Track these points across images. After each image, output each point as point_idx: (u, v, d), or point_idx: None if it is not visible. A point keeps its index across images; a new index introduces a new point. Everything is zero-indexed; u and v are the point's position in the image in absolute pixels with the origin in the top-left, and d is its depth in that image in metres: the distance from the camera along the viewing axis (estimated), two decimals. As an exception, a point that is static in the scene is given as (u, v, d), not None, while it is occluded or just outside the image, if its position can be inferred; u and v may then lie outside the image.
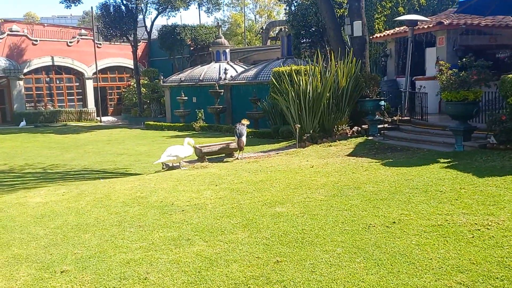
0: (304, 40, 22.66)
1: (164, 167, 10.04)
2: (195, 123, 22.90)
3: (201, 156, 9.80)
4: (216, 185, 6.87)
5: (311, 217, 4.91)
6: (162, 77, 26.91)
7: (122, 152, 16.00)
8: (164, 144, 17.79)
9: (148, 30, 29.76)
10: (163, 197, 6.32)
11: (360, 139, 10.47)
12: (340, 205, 5.27)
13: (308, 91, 10.62)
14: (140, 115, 29.10)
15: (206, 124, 22.70)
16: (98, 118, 30.35)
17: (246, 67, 26.54)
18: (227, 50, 27.50)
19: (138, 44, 30.03)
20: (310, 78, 10.80)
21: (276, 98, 11.80)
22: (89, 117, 30.61)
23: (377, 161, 7.98)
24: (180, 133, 21.79)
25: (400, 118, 11.03)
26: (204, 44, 29.62)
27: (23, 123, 26.76)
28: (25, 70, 28.09)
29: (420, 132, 9.68)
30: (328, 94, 10.69)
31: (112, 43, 30.44)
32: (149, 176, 8.69)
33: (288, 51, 23.40)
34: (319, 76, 10.74)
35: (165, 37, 28.78)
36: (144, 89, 29.34)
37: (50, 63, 29.21)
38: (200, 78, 25.49)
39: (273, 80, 17.01)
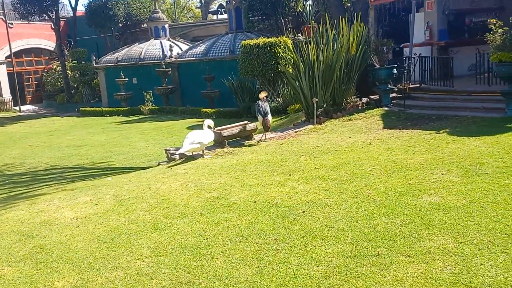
0: (256, 13, 21.52)
1: (177, 157, 8.57)
2: (142, 106, 20.92)
3: (221, 141, 8.49)
4: (290, 174, 5.76)
5: (493, 206, 4.00)
6: (94, 58, 24.16)
7: (79, 144, 13.92)
8: (120, 132, 15.93)
9: (73, 6, 26.44)
10: (245, 195, 5.07)
11: (377, 111, 9.84)
12: (494, 186, 4.47)
13: (320, 61, 9.70)
14: (69, 101, 26.05)
15: (156, 107, 20.86)
16: (17, 108, 26.66)
17: (190, 44, 24.76)
18: (166, 26, 25.42)
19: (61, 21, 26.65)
20: (321, 47, 9.86)
21: (285, 70, 10.69)
22: (5, 107, 26.78)
23: (431, 132, 7.37)
24: (128, 118, 19.79)
25: (408, 86, 10.60)
26: (138, 20, 27.08)
27: None
28: None
29: (444, 99, 9.29)
30: (340, 64, 9.87)
31: (28, 22, 26.62)
32: (180, 169, 7.24)
33: (238, 25, 22.06)
34: (331, 44, 9.84)
35: (94, 13, 25.73)
36: (70, 72, 26.21)
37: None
38: (141, 57, 23.29)
39: (243, 54, 15.83)
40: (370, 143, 7.10)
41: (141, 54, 23.37)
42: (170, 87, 21.66)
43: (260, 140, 8.82)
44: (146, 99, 21.32)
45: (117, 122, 19.08)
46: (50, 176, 9.42)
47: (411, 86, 10.62)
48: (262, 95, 9.01)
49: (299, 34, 18.20)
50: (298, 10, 21.08)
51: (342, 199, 4.54)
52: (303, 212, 4.25)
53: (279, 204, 4.59)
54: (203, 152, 8.06)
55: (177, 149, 9.28)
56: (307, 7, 20.14)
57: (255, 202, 4.74)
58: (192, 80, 21.73)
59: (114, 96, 22.57)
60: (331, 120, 9.93)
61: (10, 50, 25.92)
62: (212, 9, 29.28)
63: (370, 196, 4.53)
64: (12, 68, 26.32)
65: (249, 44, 15.71)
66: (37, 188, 7.77)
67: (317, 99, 9.65)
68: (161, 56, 23.00)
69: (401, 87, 10.69)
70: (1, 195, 7.47)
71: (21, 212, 5.66)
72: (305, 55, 10.01)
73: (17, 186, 8.50)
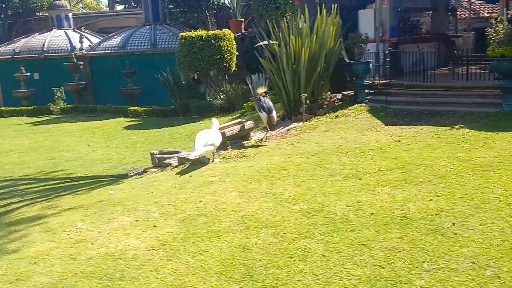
0: (178, 4, 20.37)
1: (173, 162, 7.50)
2: (52, 105, 18.46)
3: (223, 141, 7.63)
4: (360, 178, 5.32)
5: None
6: (-16, 49, 20.67)
7: (1, 150, 11.68)
8: (42, 134, 13.83)
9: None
10: (344, 205, 4.47)
11: (359, 107, 9.80)
12: None
13: (303, 54, 9.34)
14: (-51, 100, 21.89)
15: (69, 106, 18.58)
16: None
17: (99, 36, 22.58)
18: (70, 15, 22.83)
19: None
20: (304, 39, 9.49)
21: (264, 63, 10.07)
22: None
23: (446, 127, 7.46)
24: (38, 119, 17.37)
25: (379, 82, 10.81)
26: (35, 6, 23.81)
27: None
28: None
29: (425, 94, 9.62)
30: (322, 58, 9.64)
31: None
32: (204, 176, 6.30)
33: (155, 16, 20.68)
34: (314, 36, 9.53)
35: (-19, -3, 21.92)
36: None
37: None
38: (45, 49, 20.58)
39: (184, 47, 14.76)
40: (399, 141, 6.99)
41: (44, 45, 20.65)
42: (83, 83, 19.48)
43: (262, 140, 8.20)
44: (56, 96, 18.89)
45: (26, 123, 16.53)
46: (5, 191, 7.62)
47: (381, 82, 10.86)
48: (261, 90, 8.36)
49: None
50: (223, 3, 20.47)
51: (473, 205, 4.24)
52: (453, 224, 3.86)
53: (407, 216, 4.13)
54: (213, 155, 7.18)
55: (168, 152, 8.26)
56: (234, 0, 19.61)
57: (371, 214, 4.23)
58: (107, 75, 19.83)
59: (14, 94, 19.56)
60: (316, 117, 9.68)
61: None
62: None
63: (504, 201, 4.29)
64: None
65: (191, 36, 14.70)
66: (16, 208, 6.16)
67: (306, 95, 9.31)
68: (69, 48, 20.63)
69: (371, 83, 10.86)
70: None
71: (49, 244, 4.34)
72: (288, 47, 9.58)
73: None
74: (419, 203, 4.38)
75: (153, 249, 3.99)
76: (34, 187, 7.96)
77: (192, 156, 6.82)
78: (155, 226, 4.53)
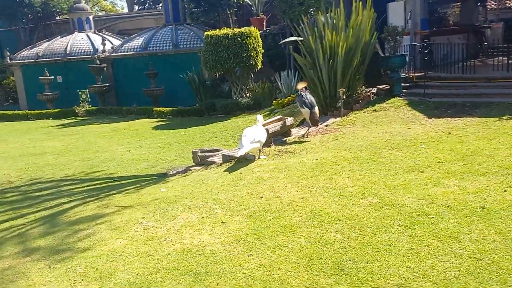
0: (199, 4, 20.39)
1: (217, 160, 7.49)
2: (77, 107, 18.61)
3: (267, 139, 7.59)
4: (422, 171, 5.22)
5: None
6: (8, 53, 20.91)
7: (34, 152, 11.89)
8: (72, 136, 13.94)
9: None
10: (413, 199, 4.41)
11: (396, 100, 9.71)
12: None
13: (340, 48, 9.26)
14: (-25, 105, 22.25)
15: (94, 108, 18.71)
16: None
17: (119, 38, 22.71)
18: (91, 17, 22.98)
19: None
20: (340, 33, 9.40)
21: (299, 59, 10.00)
22: None
23: (495, 119, 7.35)
24: (64, 121, 17.53)
25: (415, 75, 10.69)
26: (56, 10, 24.03)
27: None
28: None
29: (462, 86, 9.47)
30: (359, 51, 9.55)
31: None
32: (255, 173, 6.27)
33: (175, 16, 20.70)
34: (351, 29, 9.43)
35: (4, 2, 22.15)
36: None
37: None
38: (67, 52, 20.74)
39: (209, 46, 14.75)
40: (449, 133, 6.90)
41: (66, 48, 20.80)
42: (107, 85, 19.60)
43: (303, 136, 8.14)
44: (81, 98, 19.04)
45: (53, 125, 16.68)
46: (51, 192, 7.68)
47: (416, 75, 10.73)
48: (301, 85, 8.30)
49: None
50: (244, 1, 20.42)
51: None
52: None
53: (487, 207, 4.05)
54: (259, 152, 7.15)
55: (209, 150, 8.25)
56: (256, -2, 19.55)
57: (448, 206, 4.16)
58: (130, 76, 19.94)
59: (39, 97, 19.77)
60: (354, 112, 9.60)
61: None
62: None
63: None
64: None
65: (217, 34, 14.69)
66: (70, 208, 6.19)
67: (343, 89, 9.23)
68: (92, 50, 20.74)
69: (406, 76, 10.74)
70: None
71: (121, 242, 4.34)
72: (324, 42, 9.50)
73: (23, 207, 6.73)
74: (495, 194, 4.30)
75: (229, 245, 3.97)
76: (79, 188, 8.00)
77: (241, 153, 6.79)
78: (223, 222, 4.51)
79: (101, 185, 8.05)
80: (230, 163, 7.23)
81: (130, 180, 8.23)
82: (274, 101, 13.20)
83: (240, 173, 6.44)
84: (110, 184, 8.13)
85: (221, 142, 11.24)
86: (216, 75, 16.41)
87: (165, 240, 4.26)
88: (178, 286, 3.39)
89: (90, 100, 19.14)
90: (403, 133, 7.39)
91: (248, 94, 15.46)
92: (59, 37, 21.89)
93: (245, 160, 7.09)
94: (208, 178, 6.61)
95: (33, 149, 12.32)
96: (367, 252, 3.52)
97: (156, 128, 14.35)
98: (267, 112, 13.43)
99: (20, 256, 4.42)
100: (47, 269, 3.99)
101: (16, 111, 19.55)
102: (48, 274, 3.87)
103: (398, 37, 10.06)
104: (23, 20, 23.56)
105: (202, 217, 4.74)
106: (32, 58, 20.85)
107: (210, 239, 4.13)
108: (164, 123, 15.21)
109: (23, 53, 21.20)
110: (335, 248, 3.65)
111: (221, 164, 7.42)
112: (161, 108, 16.83)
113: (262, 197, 5.11)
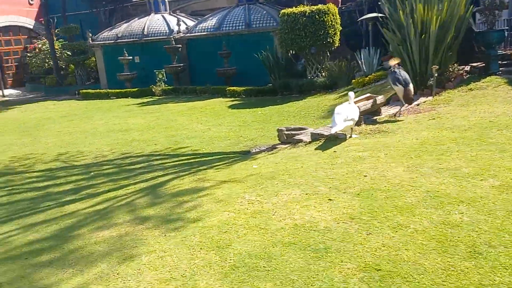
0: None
1: (304, 138, 7.38)
2: (154, 87, 19.19)
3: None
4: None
5: None
6: (90, 35, 21.90)
7: (119, 128, 12.37)
8: (152, 114, 14.36)
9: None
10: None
11: (491, 79, 9.00)
12: None
13: (433, 22, 8.70)
14: (59, 83, 23.63)
15: (170, 87, 19.20)
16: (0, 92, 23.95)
17: (192, 19, 23.00)
18: (166, -1, 23.42)
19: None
20: (434, 7, 8.82)
21: (388, 35, 9.57)
22: (-15, 92, 23.94)
23: None
24: (143, 100, 18.12)
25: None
26: (132, -8, 24.79)
27: None
28: None
29: None
30: (453, 26, 8.92)
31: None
32: (351, 152, 6.09)
33: (247, -5, 20.54)
34: (446, 3, 8.82)
35: (86, -14, 23.22)
36: (59, 52, 23.79)
37: None
38: (145, 33, 21.32)
39: (285, 24, 14.52)
40: None
41: (144, 29, 21.39)
42: (181, 65, 20.00)
43: (395, 115, 7.79)
44: (158, 78, 19.58)
45: (133, 104, 17.33)
46: (144, 166, 7.98)
47: (515, 52, 9.89)
48: (394, 61, 7.89)
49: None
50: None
51: None
52: None
53: None
54: (351, 130, 6.93)
55: (294, 129, 8.15)
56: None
57: None
58: (203, 56, 20.17)
59: (118, 77, 20.60)
60: (446, 90, 9.04)
61: (-11, 28, 23.00)
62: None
63: None
64: (-9, 48, 23.46)
65: (294, 12, 14.42)
66: (167, 181, 6.37)
67: (436, 66, 8.69)
68: (167, 31, 21.17)
69: (504, 53, 9.93)
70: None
71: (229, 214, 4.36)
72: (415, 16, 8.96)
73: (120, 179, 7.03)
74: None
75: (343, 223, 3.85)
76: (169, 162, 8.24)
77: (333, 131, 6.61)
78: (330, 199, 4.39)
79: (190, 161, 8.23)
80: (320, 141, 7.08)
81: (216, 157, 8.34)
82: (353, 80, 12.79)
83: (334, 151, 6.27)
84: (197, 159, 8.29)
85: (300, 121, 11.10)
86: (289, 54, 16.20)
87: (273, 214, 4.22)
88: (299, 260, 3.33)
89: (166, 79, 19.66)
90: (508, 113, 6.82)
91: (323, 74, 15.12)
92: (136, 18, 22.58)
93: (336, 138, 6.90)
94: (299, 156, 6.51)
95: (118, 125, 12.87)
96: (503, 236, 3.25)
97: (232, 107, 14.47)
98: (344, 92, 13.07)
99: (134, 224, 4.59)
100: (162, 237, 4.10)
101: (97, 90, 20.58)
102: (165, 241, 3.97)
103: (497, 10, 9.27)
104: (103, 3, 24.53)
105: (306, 194, 4.65)
106: (112, 39, 21.69)
107: (321, 216, 4.03)
108: (238, 102, 15.30)
109: (104, 34, 22.11)
110: (465, 231, 3.41)
111: (309, 142, 7.29)
112: (234, 88, 16.94)
113: (366, 176, 4.92)
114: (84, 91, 20.60)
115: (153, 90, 19.16)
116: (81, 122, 13.96)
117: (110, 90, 20.12)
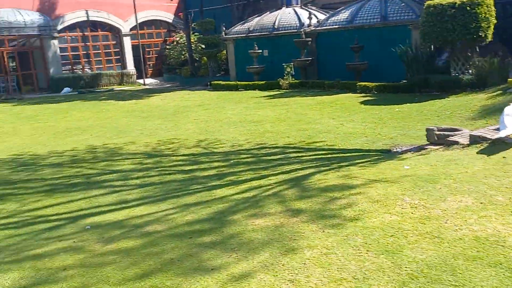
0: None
1: (461, 141, 6.69)
2: (282, 80, 19.32)
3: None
4: None
5: None
6: (224, 29, 22.85)
7: (252, 119, 12.56)
8: (281, 107, 14.37)
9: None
10: None
11: None
12: None
13: None
14: (193, 74, 25.15)
15: (297, 81, 19.16)
16: (140, 81, 26.28)
17: (324, 12, 22.67)
18: (298, -8, 23.43)
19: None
20: None
21: None
22: (130, 80, 26.47)
23: None
24: (270, 93, 18.29)
25: None
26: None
27: (66, 90, 22.55)
28: (59, 27, 23.53)
29: None
30: None
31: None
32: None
33: (385, -13, 19.51)
34: None
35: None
36: (194, 45, 25.29)
37: (85, 18, 24.61)
38: (275, 27, 21.57)
39: (430, 16, 13.48)
40: None
41: (275, 23, 21.66)
42: (310, 59, 19.84)
43: None
44: (286, 72, 19.68)
45: (261, 96, 17.63)
46: (280, 157, 7.97)
47: None
48: None
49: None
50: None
51: None
52: None
53: None
54: (524, 134, 6.08)
55: (445, 129, 7.44)
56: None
57: None
58: (332, 50, 19.74)
59: (247, 69, 21.19)
60: None
61: (136, 21, 25.32)
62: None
63: None
64: (136, 40, 25.84)
65: (441, 4, 13.29)
66: (309, 175, 6.22)
67: None
68: (298, 25, 21.16)
69: None
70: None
71: (391, 217, 4.03)
72: None
73: (259, 169, 7.07)
74: None
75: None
76: (305, 156, 8.11)
77: (502, 134, 5.86)
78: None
79: (327, 156, 8.00)
80: (481, 145, 6.33)
81: (354, 154, 7.99)
82: (510, 79, 11.37)
83: (504, 157, 5.53)
84: (335, 155, 8.03)
85: (445, 121, 10.18)
86: (430, 49, 15.06)
87: (445, 222, 3.79)
88: (491, 278, 2.89)
89: (294, 73, 19.71)
90: None
91: (471, 71, 13.74)
92: (268, 12, 22.98)
93: (503, 143, 6.09)
94: (459, 160, 5.88)
95: (250, 116, 13.16)
96: None
97: (364, 103, 13.91)
98: (497, 91, 11.70)
99: (287, 215, 4.50)
100: (321, 232, 3.93)
101: (227, 82, 21.42)
102: (325, 238, 3.80)
103: None
104: (237, -2, 25.51)
105: (481, 203, 4.11)
106: (244, 33, 22.38)
107: (508, 230, 3.50)
108: (371, 98, 14.67)
109: (236, 28, 22.93)
110: None
111: (467, 145, 6.57)
112: (365, 83, 16.29)
113: None
114: (215, 82, 21.60)
115: (280, 83, 19.33)
116: (215, 112, 14.60)
117: (239, 82, 20.78)
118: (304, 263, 3.36)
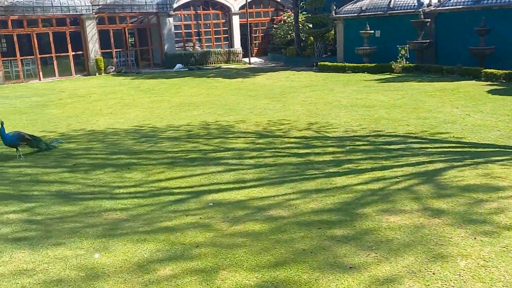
0: None
1: None
2: (394, 63, 18.19)
3: None
4: None
5: None
6: (335, 7, 22.04)
7: (364, 104, 11.92)
8: (393, 92, 13.46)
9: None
10: None
11: None
12: None
13: None
14: (298, 54, 24.79)
15: (411, 65, 17.89)
16: (245, 60, 26.58)
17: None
18: (416, -32, 21.73)
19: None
20: None
21: None
22: (236, 58, 26.92)
23: None
24: (381, 76, 17.37)
25: None
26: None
27: (179, 66, 23.65)
28: (175, 5, 24.57)
29: None
30: None
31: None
32: None
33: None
34: None
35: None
36: (301, 24, 24.83)
37: (199, -4, 25.44)
38: (390, 6, 20.28)
39: None
40: None
41: (390, 2, 20.37)
42: (427, 41, 18.38)
43: None
44: (400, 54, 18.50)
45: (371, 80, 16.77)
46: (401, 148, 7.40)
47: None
48: None
49: None
50: None
51: None
52: None
53: None
54: None
55: None
56: None
57: None
58: (453, 33, 18.06)
59: (357, 51, 20.27)
60: None
61: (246, 0, 25.51)
62: None
63: None
64: (245, 19, 26.06)
65: None
66: (439, 170, 5.64)
67: None
68: (416, 5, 19.66)
69: None
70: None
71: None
72: None
73: (379, 158, 6.61)
74: None
75: None
76: (431, 148, 7.44)
77: None
78: None
79: (457, 150, 7.27)
80: None
81: (488, 149, 7.16)
82: None
83: None
84: (466, 149, 7.26)
85: None
86: None
87: None
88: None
89: (408, 56, 18.47)
90: None
91: None
92: (382, -10, 21.69)
93: None
94: None
95: (361, 100, 12.55)
96: None
97: (492, 92, 12.55)
98: None
99: (426, 215, 4.07)
100: (472, 239, 3.47)
101: (334, 63, 20.75)
102: (478, 247, 3.33)
103: None
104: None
105: None
106: (355, 12, 21.40)
107: None
108: (499, 87, 13.18)
109: (347, 7, 22.00)
110: None
111: None
112: (492, 70, 14.71)
113: None
114: (322, 63, 21.05)
115: (393, 66, 18.26)
116: (323, 94, 14.18)
117: (347, 64, 20.00)
118: (459, 274, 2.95)
